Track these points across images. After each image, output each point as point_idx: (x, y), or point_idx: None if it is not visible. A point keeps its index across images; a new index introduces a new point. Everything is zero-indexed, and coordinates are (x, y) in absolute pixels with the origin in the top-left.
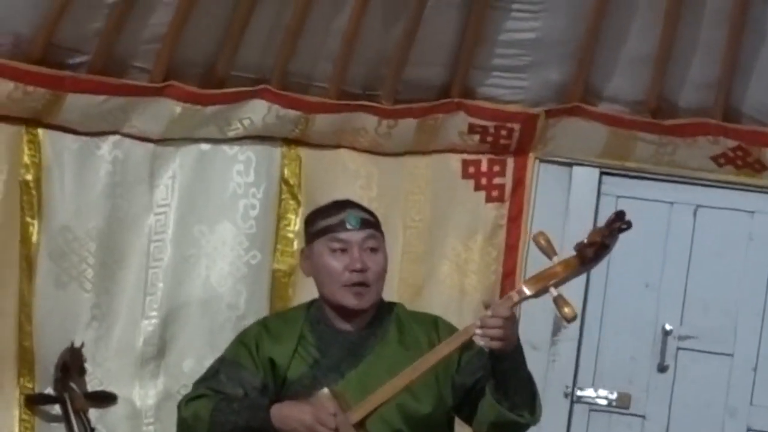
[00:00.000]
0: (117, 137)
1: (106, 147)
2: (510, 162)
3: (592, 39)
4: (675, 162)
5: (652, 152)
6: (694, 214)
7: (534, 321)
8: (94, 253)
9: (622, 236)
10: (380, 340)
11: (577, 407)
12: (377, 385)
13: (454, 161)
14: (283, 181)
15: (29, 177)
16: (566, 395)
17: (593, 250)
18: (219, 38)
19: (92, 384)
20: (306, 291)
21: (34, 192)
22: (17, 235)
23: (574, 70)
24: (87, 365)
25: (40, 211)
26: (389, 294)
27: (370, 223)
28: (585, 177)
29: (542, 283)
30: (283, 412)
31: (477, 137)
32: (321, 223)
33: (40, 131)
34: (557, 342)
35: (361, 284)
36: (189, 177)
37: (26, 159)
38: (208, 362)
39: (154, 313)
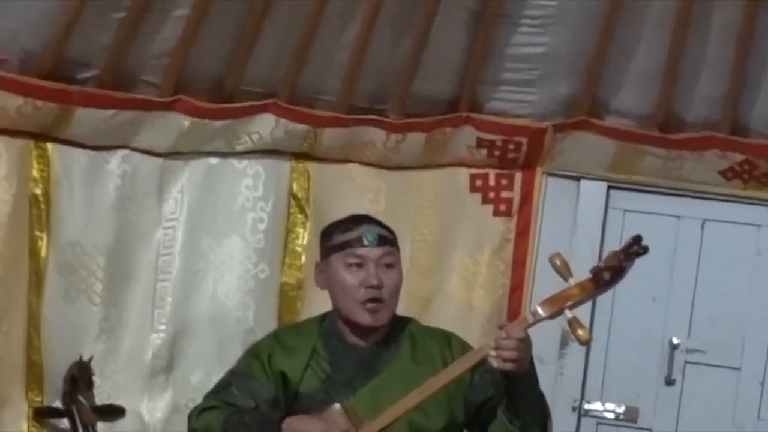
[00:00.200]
0: (126, 151)
1: (115, 161)
2: (518, 176)
3: (600, 53)
4: (682, 176)
5: (659, 166)
6: (702, 227)
7: (541, 334)
8: (102, 266)
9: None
10: (393, 356)
11: (584, 421)
12: (389, 401)
13: (462, 175)
14: (292, 195)
15: (38, 191)
16: (574, 409)
17: (609, 274)
18: (228, 53)
19: (100, 397)
20: (314, 304)
21: (43, 206)
22: (26, 249)
23: (582, 84)
24: (95, 378)
25: (49, 225)
26: (397, 307)
27: (387, 239)
28: (593, 191)
29: (558, 306)
30: (294, 426)
31: (485, 151)
32: (338, 237)
33: (49, 145)
34: (565, 355)
35: (376, 300)
36: (197, 191)
37: (35, 173)
38: (217, 376)
39: (163, 327)
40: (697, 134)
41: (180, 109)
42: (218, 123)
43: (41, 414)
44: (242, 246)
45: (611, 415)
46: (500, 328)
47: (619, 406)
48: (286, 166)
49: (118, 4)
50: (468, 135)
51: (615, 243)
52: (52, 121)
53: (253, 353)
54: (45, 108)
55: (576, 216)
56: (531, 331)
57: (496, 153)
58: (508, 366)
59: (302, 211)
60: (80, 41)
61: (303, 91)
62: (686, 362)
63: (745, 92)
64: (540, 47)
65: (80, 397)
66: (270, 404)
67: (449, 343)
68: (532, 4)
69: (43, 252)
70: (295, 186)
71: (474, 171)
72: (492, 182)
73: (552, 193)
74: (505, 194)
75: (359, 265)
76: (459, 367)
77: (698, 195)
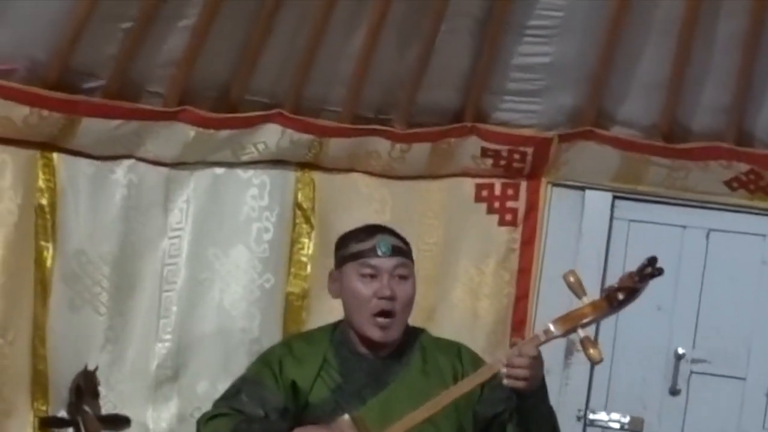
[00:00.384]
0: (131, 161)
1: (121, 171)
2: (523, 186)
3: (605, 63)
4: (687, 186)
5: (664, 176)
6: (707, 237)
7: (546, 344)
8: (108, 276)
9: (635, 260)
10: (404, 368)
11: (589, 431)
12: (398, 412)
13: (468, 185)
14: (297, 205)
15: (44, 201)
16: (579, 419)
17: (623, 294)
18: (233, 63)
19: (106, 407)
20: (319, 314)
21: (48, 216)
22: (32, 258)
23: (587, 94)
24: (101, 388)
25: (55, 234)
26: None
27: (402, 250)
28: (598, 201)
29: (571, 324)
30: None
31: (490, 161)
32: (352, 247)
33: (55, 155)
34: (570, 365)
35: (388, 314)
36: (203, 201)
37: (41, 183)
38: (222, 385)
39: (168, 337)
40: (703, 144)
41: (185, 119)
42: (224, 133)
43: (47, 424)
44: (247, 256)
45: (616, 425)
46: (512, 345)
47: (624, 416)
48: (291, 176)
49: (124, 15)
50: (473, 145)
51: (620, 253)
52: (59, 131)
53: (264, 361)
54: (51, 118)
55: (581, 226)
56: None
57: (502, 163)
58: (519, 384)
59: (307, 221)
60: (86, 51)
61: (308, 101)
62: (691, 372)
63: (751, 102)
64: (545, 57)
65: (85, 407)
66: (279, 413)
67: (460, 356)
68: (537, 14)
69: (48, 262)
70: (300, 196)
71: (479, 181)
72: (497, 192)
73: (557, 203)
74: (510, 204)
75: (372, 276)
76: (470, 382)
77: (703, 205)
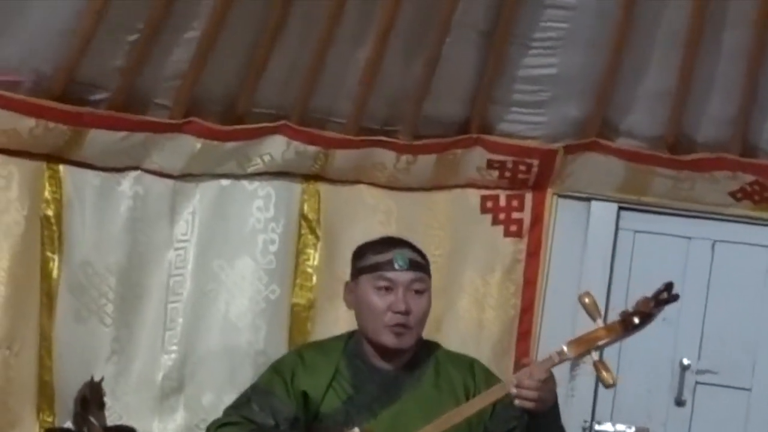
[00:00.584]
0: (137, 173)
1: (127, 182)
2: (528, 197)
3: (610, 75)
4: (693, 197)
5: (669, 187)
6: (712, 248)
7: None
8: (114, 287)
9: (640, 271)
10: (416, 381)
11: None
12: (409, 426)
13: (473, 196)
14: (303, 216)
15: (50, 212)
16: (584, 429)
17: (639, 318)
18: (239, 75)
19: (112, 418)
20: (325, 325)
21: (54, 227)
22: (38, 269)
23: (592, 105)
24: (106, 399)
25: (61, 246)
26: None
27: (419, 264)
28: (603, 212)
29: (584, 347)
30: None
31: (495, 173)
32: (369, 258)
33: (61, 167)
34: (575, 376)
35: (402, 326)
36: (209, 212)
37: (47, 194)
38: (228, 397)
39: (174, 348)
40: (708, 155)
41: (192, 131)
42: (230, 145)
43: None
44: (253, 267)
45: None
46: (525, 364)
47: (630, 427)
48: (297, 187)
49: (131, 27)
50: (479, 156)
51: (625, 264)
52: (65, 142)
53: (276, 370)
54: (57, 130)
55: (586, 237)
56: (540, 353)
57: (507, 174)
58: (529, 405)
59: (313, 232)
60: (93, 63)
61: (314, 113)
62: (697, 383)
63: (756, 113)
64: (551, 69)
65: (91, 418)
66: (290, 423)
67: (472, 371)
68: (542, 26)
69: (54, 273)
70: (305, 207)
71: (485, 192)
72: (503, 203)
73: (563, 214)
74: (515, 215)
75: (388, 289)
76: (481, 401)
77: (708, 216)
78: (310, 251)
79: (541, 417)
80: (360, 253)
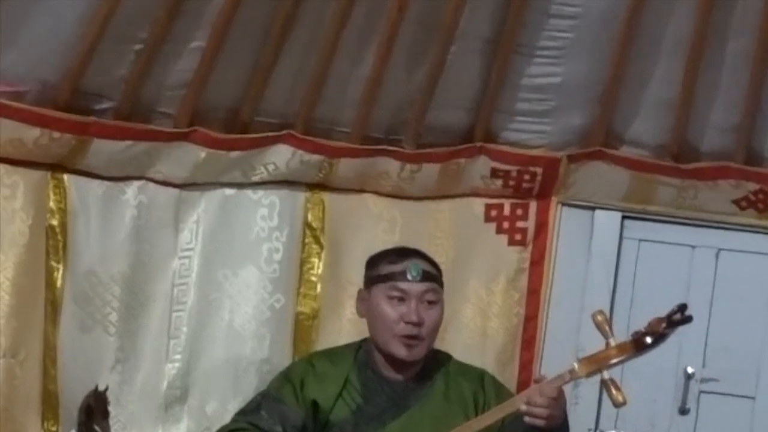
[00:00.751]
0: (142, 182)
1: (131, 192)
2: (532, 206)
3: (614, 84)
4: (697, 206)
5: (674, 196)
6: (716, 257)
7: (555, 364)
8: (118, 297)
9: (644, 279)
10: (426, 392)
11: None
12: None
13: (477, 205)
14: (307, 225)
15: (54, 222)
16: None
17: (651, 339)
18: (244, 84)
19: (116, 427)
20: (330, 334)
21: (59, 237)
22: (42, 279)
23: (596, 114)
24: (111, 408)
25: (65, 255)
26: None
27: (432, 276)
28: (607, 221)
29: (596, 366)
30: None
31: (500, 181)
32: (383, 268)
33: (66, 176)
34: (579, 384)
35: (414, 338)
36: (213, 221)
37: (52, 204)
38: (232, 405)
39: (178, 357)
40: (711, 164)
41: (196, 140)
42: (234, 154)
43: None
44: (258, 276)
45: None
46: (536, 381)
47: None
48: (301, 196)
49: (135, 36)
50: (483, 165)
51: (629, 272)
52: (69, 152)
53: (286, 377)
54: (62, 139)
55: (590, 246)
56: (544, 361)
57: (511, 183)
58: (539, 422)
59: (317, 241)
60: (97, 73)
61: (318, 122)
62: (701, 391)
63: (760, 122)
64: (555, 78)
65: (96, 427)
66: (298, 430)
67: (482, 383)
68: (546, 34)
69: (59, 282)
70: (310, 216)
71: (489, 201)
72: (507, 212)
73: (567, 223)
74: (519, 224)
75: (401, 299)
76: (490, 416)
77: (713, 224)
78: (315, 260)
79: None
80: (374, 262)
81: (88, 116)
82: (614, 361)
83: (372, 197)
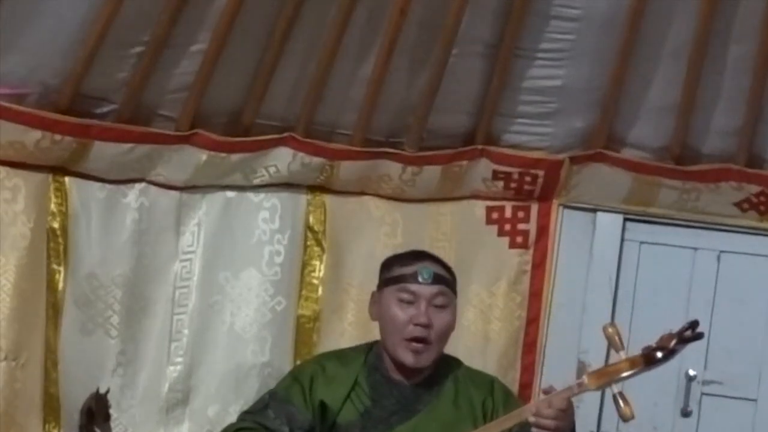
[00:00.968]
0: (143, 185)
1: (133, 195)
2: (534, 208)
3: (616, 86)
4: (698, 208)
5: (675, 198)
6: (718, 259)
7: (557, 367)
8: (119, 299)
9: (646, 282)
10: (435, 397)
11: None
12: None
13: (479, 208)
14: (308, 227)
15: (56, 225)
16: None
17: (662, 354)
18: (245, 87)
19: (117, 430)
20: (331, 337)
21: (60, 239)
22: (44, 282)
23: (598, 117)
24: (112, 411)
25: (67, 258)
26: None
27: (444, 279)
28: (609, 223)
29: (606, 379)
30: None
31: (501, 184)
32: (395, 270)
33: (67, 179)
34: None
35: (422, 341)
36: (214, 224)
37: (53, 207)
38: (233, 408)
39: (179, 360)
40: (713, 166)
41: (197, 143)
42: (235, 157)
43: None
44: (259, 279)
45: None
46: (544, 392)
47: None
48: (302, 199)
49: (136, 39)
50: (484, 168)
51: (631, 275)
52: (70, 155)
53: (295, 377)
54: (63, 142)
55: (592, 248)
56: (546, 364)
57: (513, 185)
58: None
59: (319, 243)
60: (99, 76)
61: (319, 125)
62: (702, 394)
63: (761, 124)
64: (556, 80)
65: (97, 430)
66: (305, 431)
67: (492, 390)
68: (548, 37)
69: (60, 285)
70: (311, 219)
71: (490, 203)
72: (508, 214)
73: (568, 225)
74: (521, 226)
75: (411, 302)
76: (497, 426)
77: (714, 227)
78: (316, 263)
79: None
80: (387, 264)
81: (90, 119)
82: (624, 375)
83: (373, 200)
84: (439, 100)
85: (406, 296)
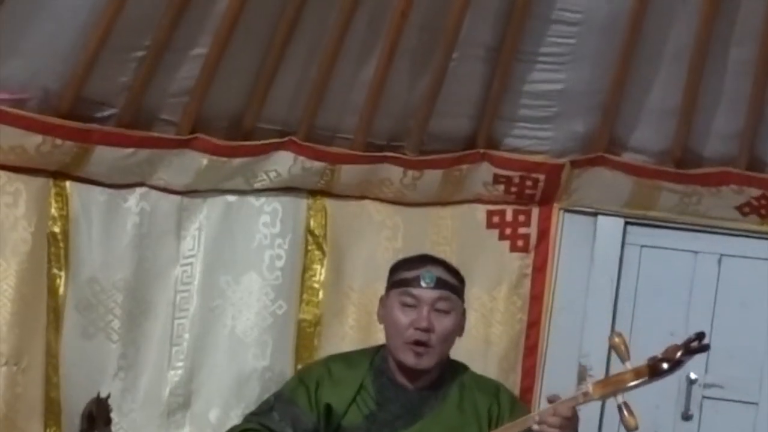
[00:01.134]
0: (144, 189)
1: (133, 199)
2: (535, 212)
3: (617, 90)
4: (699, 211)
5: (676, 202)
6: (719, 263)
7: (558, 370)
8: (120, 304)
9: (647, 285)
10: (440, 403)
11: None
12: None
13: (479, 211)
14: (309, 231)
15: (56, 229)
16: None
17: (668, 365)
18: (246, 91)
19: None
20: (332, 341)
21: (61, 244)
22: (44, 286)
23: (599, 120)
24: (113, 415)
25: (67, 262)
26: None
27: (448, 284)
28: (610, 227)
29: (610, 389)
30: None
31: (502, 187)
32: (400, 274)
33: (68, 184)
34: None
35: (423, 344)
36: (215, 228)
37: (54, 211)
38: (235, 412)
39: (180, 364)
40: (714, 170)
41: (198, 147)
42: (236, 161)
43: None
44: (260, 283)
45: None
46: (549, 401)
47: None
48: (303, 203)
49: (137, 44)
50: (485, 171)
51: (632, 278)
52: (71, 159)
53: (301, 379)
54: (64, 146)
55: (593, 252)
56: (547, 368)
57: (513, 189)
58: None
59: (319, 247)
60: (99, 80)
61: (320, 129)
62: (704, 397)
63: (762, 128)
64: (557, 84)
65: None
66: None
67: (497, 396)
68: (549, 41)
69: (61, 290)
70: (312, 223)
71: (491, 207)
72: (509, 218)
73: (569, 229)
74: (522, 230)
75: (413, 306)
76: None
77: (715, 230)
78: (317, 267)
79: None
80: (394, 268)
81: (91, 123)
82: (629, 385)
83: (374, 204)
84: (439, 104)
85: (408, 300)
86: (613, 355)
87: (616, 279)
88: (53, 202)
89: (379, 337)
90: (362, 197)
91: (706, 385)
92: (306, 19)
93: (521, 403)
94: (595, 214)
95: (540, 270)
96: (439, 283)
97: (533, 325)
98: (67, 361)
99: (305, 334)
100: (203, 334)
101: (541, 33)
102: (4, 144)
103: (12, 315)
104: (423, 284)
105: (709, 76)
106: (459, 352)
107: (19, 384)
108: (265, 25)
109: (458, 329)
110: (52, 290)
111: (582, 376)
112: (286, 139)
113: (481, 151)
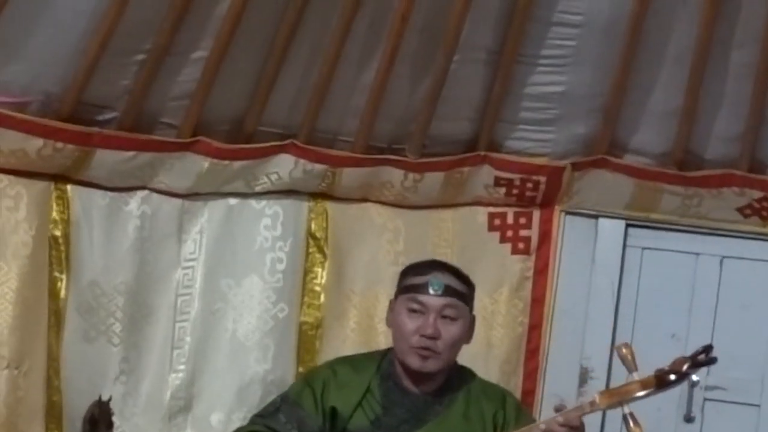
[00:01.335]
0: (145, 192)
1: (135, 202)
2: (536, 214)
3: (618, 92)
4: (701, 213)
5: (678, 204)
6: (720, 265)
7: (560, 372)
8: (122, 307)
9: (648, 287)
10: (445, 408)
11: None
12: None
13: (481, 214)
14: (310, 234)
15: (58, 232)
16: None
17: (675, 377)
18: (247, 94)
19: None
20: (333, 344)
21: (62, 247)
22: (46, 290)
23: (600, 123)
24: (115, 419)
25: (69, 266)
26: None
27: (456, 292)
28: (611, 229)
29: (617, 399)
30: None
31: (503, 190)
32: (409, 280)
33: (69, 187)
34: (584, 393)
35: (428, 350)
36: (217, 231)
37: (55, 215)
38: (236, 416)
39: (182, 367)
40: (715, 172)
41: (199, 150)
42: (237, 164)
43: None
44: (261, 286)
45: None
46: (556, 410)
47: None
48: (304, 206)
49: (138, 47)
50: (486, 174)
51: (633, 281)
52: (72, 162)
53: (307, 382)
54: (65, 150)
55: (594, 254)
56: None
57: (515, 192)
58: None
59: (321, 250)
60: (100, 84)
61: (321, 132)
62: (705, 399)
63: (763, 130)
64: (558, 86)
65: None
66: None
67: (503, 404)
68: (550, 43)
69: (62, 293)
70: (313, 226)
71: (492, 210)
72: (510, 221)
73: (570, 232)
74: (523, 233)
75: (420, 312)
76: None
77: (717, 232)
78: (318, 270)
79: None
80: (404, 273)
81: (92, 127)
82: (635, 395)
83: (375, 207)
84: (440, 107)
85: (416, 306)
86: (615, 358)
87: (617, 281)
88: (54, 205)
89: (381, 340)
90: (363, 200)
91: (708, 387)
92: (307, 22)
93: (527, 412)
94: (596, 217)
95: (541, 272)
96: (447, 291)
97: (535, 328)
98: (68, 364)
99: (307, 337)
100: (204, 338)
101: (542, 36)
102: (5, 147)
103: (13, 318)
104: (431, 291)
105: (711, 79)
106: (460, 354)
107: (21, 387)
108: (266, 28)
109: (466, 336)
110: (54, 293)
111: (583, 378)
112: (287, 142)
113: (482, 153)
